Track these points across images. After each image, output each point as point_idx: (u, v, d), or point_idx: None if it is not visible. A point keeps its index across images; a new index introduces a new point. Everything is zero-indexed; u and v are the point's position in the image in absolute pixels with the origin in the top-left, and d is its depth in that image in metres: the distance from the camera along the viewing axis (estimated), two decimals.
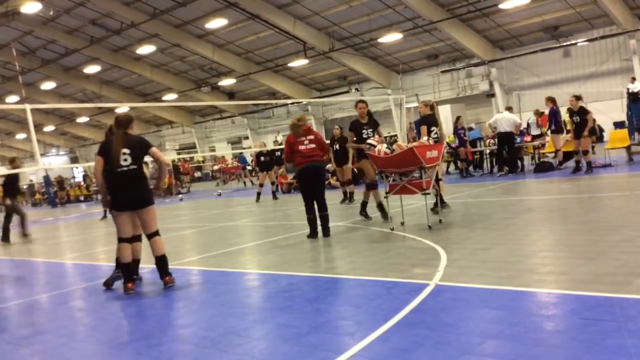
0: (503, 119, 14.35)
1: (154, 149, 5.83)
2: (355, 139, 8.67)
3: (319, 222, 7.77)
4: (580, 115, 12.44)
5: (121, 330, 4.59)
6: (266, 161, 16.31)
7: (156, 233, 5.76)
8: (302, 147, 7.74)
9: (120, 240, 5.73)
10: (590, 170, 12.27)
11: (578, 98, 12.59)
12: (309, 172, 7.78)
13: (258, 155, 16.68)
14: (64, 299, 5.93)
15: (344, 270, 5.63)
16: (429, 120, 9.13)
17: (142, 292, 5.73)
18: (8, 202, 12.19)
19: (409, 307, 4.01)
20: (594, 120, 15.26)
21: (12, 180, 12.45)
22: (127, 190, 5.62)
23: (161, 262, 5.71)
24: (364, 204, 9.09)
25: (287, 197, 16.53)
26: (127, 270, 5.72)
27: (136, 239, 6.03)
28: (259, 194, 15.94)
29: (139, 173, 5.69)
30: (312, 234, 7.74)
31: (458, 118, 16.87)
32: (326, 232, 7.75)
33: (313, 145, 7.77)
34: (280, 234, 8.68)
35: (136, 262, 6.05)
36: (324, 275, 5.61)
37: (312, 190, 7.78)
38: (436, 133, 8.98)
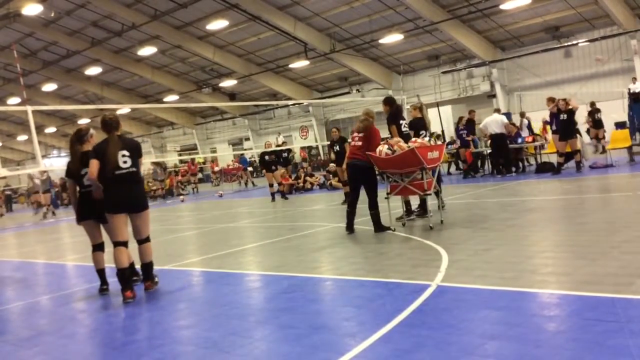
0: (492, 122, 14.42)
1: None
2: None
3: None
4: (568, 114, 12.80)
5: (123, 331, 4.59)
6: (271, 160, 15.94)
7: (147, 239, 5.63)
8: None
9: (117, 244, 5.48)
10: (579, 169, 12.90)
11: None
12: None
13: (262, 154, 16.30)
14: (65, 300, 5.93)
15: (346, 271, 5.62)
16: (418, 124, 8.81)
17: (143, 294, 5.72)
18: None
19: (410, 308, 4.01)
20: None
21: None
22: (124, 192, 5.44)
23: (149, 268, 5.68)
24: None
25: (289, 197, 16.50)
26: (124, 277, 5.42)
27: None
28: (273, 194, 15.74)
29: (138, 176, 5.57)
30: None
31: (460, 119, 16.85)
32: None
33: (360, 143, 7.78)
34: (281, 235, 8.69)
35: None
36: (326, 276, 5.60)
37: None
38: (425, 136, 8.65)
